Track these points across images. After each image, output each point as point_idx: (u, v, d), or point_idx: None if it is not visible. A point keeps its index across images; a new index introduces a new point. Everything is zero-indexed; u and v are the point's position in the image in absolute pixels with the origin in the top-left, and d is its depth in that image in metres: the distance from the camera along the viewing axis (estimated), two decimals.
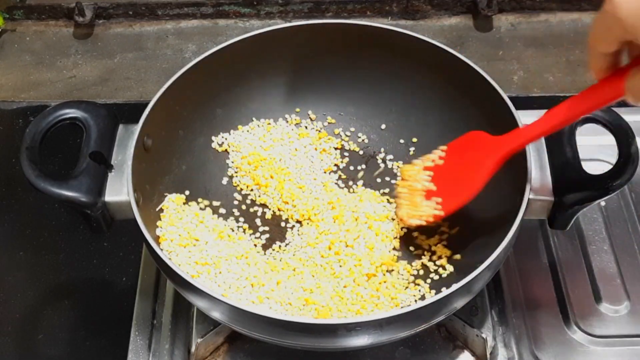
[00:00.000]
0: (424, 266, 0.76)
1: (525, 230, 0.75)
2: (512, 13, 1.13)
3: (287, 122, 0.88)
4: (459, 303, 0.66)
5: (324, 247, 0.77)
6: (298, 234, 0.80)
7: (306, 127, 0.88)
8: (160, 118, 0.75)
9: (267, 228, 0.81)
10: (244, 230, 0.80)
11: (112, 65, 1.08)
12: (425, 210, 0.75)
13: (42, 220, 0.89)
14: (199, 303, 0.66)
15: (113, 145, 0.72)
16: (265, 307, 0.70)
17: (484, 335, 0.74)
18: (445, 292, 0.63)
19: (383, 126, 0.88)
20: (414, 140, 0.87)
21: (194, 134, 0.83)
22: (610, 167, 0.69)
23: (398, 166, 0.86)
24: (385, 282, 0.74)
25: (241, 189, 0.84)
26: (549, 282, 0.81)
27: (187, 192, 0.79)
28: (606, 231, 0.85)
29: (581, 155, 0.71)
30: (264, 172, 0.83)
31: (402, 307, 0.69)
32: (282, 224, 0.81)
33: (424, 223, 0.76)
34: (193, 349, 0.74)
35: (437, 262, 0.76)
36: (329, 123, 0.89)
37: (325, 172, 0.85)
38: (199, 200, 0.80)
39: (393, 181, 0.85)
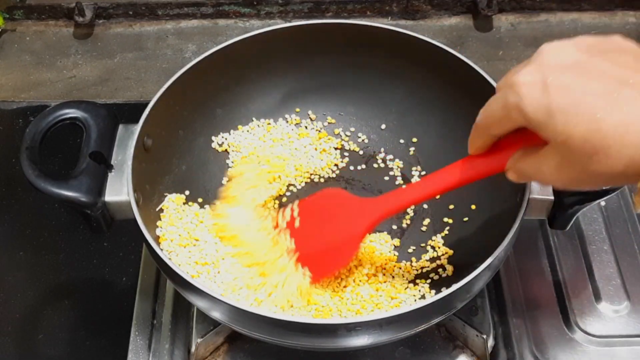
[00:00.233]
0: (424, 266, 0.76)
1: (525, 230, 0.75)
2: (512, 13, 1.13)
3: (287, 122, 0.88)
4: (459, 303, 0.66)
5: None
6: None
7: (306, 127, 0.88)
8: (160, 118, 0.75)
9: None
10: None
11: (112, 65, 1.08)
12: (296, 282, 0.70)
13: (42, 220, 0.89)
14: (199, 303, 0.66)
15: (113, 145, 0.72)
16: (265, 307, 0.70)
17: (484, 335, 0.74)
18: (445, 292, 0.62)
19: (383, 126, 0.88)
20: (414, 140, 0.87)
21: (194, 134, 0.83)
22: None
23: (398, 166, 0.86)
24: (385, 282, 0.74)
25: None
26: (549, 282, 0.81)
27: (187, 192, 0.79)
28: (606, 231, 0.85)
29: None
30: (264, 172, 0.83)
31: (402, 307, 0.69)
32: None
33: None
34: (193, 349, 0.74)
35: (437, 262, 0.76)
36: (329, 123, 0.89)
37: (325, 172, 0.85)
38: (199, 200, 0.80)
39: (396, 182, 0.85)
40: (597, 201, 0.77)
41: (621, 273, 0.82)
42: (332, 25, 0.85)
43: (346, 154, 0.87)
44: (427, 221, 0.81)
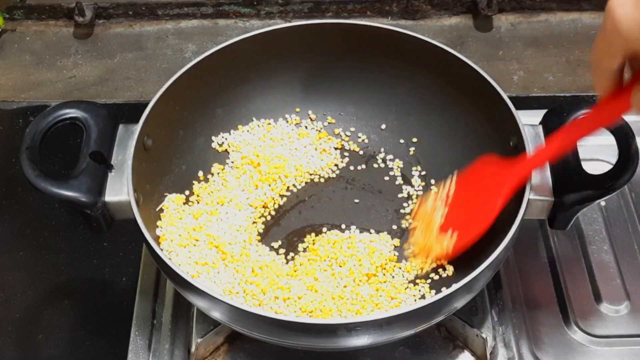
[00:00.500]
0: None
1: (525, 230, 0.75)
2: (512, 13, 1.13)
3: (287, 122, 0.88)
4: (459, 303, 0.66)
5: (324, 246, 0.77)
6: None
7: (306, 127, 0.88)
8: (160, 118, 0.75)
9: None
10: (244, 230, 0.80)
11: (112, 65, 1.08)
12: (438, 247, 0.74)
13: (42, 220, 0.89)
14: (199, 303, 0.66)
15: (113, 145, 0.72)
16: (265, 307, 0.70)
17: (484, 335, 0.74)
18: (445, 292, 0.63)
19: (383, 126, 0.88)
20: (414, 140, 0.87)
21: (194, 134, 0.83)
22: (610, 167, 0.69)
23: (398, 166, 0.86)
24: (385, 282, 0.74)
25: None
26: (549, 282, 0.81)
27: (187, 192, 0.79)
28: (606, 231, 0.85)
29: (581, 155, 0.71)
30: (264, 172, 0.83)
31: (402, 307, 0.69)
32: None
33: (434, 265, 0.75)
34: (193, 349, 0.74)
35: (437, 262, 0.76)
36: (329, 123, 0.89)
37: (325, 172, 0.85)
38: (199, 200, 0.80)
39: (396, 182, 0.85)
40: (597, 201, 0.77)
41: (621, 273, 0.82)
42: (332, 25, 0.85)
43: (346, 154, 0.87)
44: None
